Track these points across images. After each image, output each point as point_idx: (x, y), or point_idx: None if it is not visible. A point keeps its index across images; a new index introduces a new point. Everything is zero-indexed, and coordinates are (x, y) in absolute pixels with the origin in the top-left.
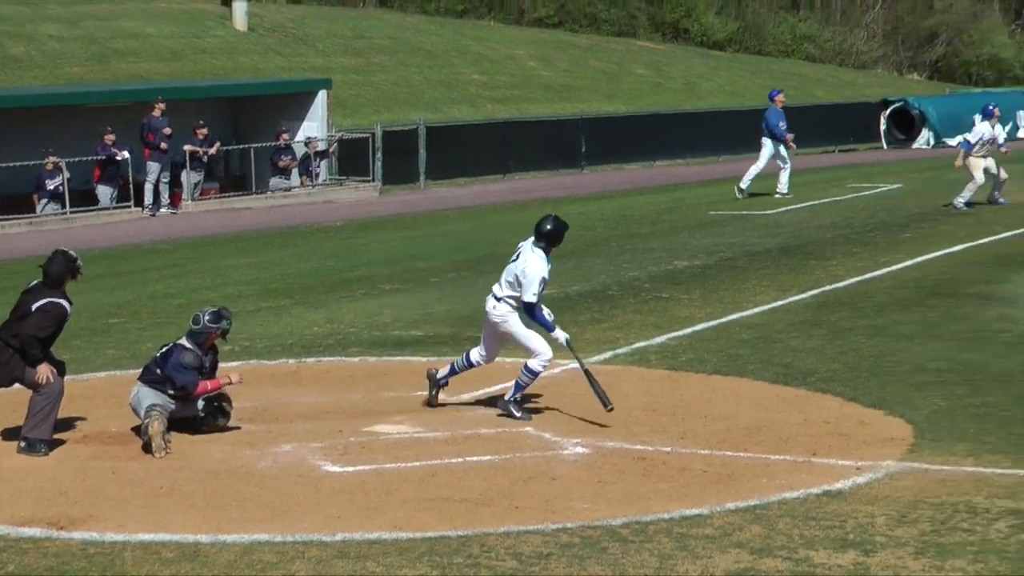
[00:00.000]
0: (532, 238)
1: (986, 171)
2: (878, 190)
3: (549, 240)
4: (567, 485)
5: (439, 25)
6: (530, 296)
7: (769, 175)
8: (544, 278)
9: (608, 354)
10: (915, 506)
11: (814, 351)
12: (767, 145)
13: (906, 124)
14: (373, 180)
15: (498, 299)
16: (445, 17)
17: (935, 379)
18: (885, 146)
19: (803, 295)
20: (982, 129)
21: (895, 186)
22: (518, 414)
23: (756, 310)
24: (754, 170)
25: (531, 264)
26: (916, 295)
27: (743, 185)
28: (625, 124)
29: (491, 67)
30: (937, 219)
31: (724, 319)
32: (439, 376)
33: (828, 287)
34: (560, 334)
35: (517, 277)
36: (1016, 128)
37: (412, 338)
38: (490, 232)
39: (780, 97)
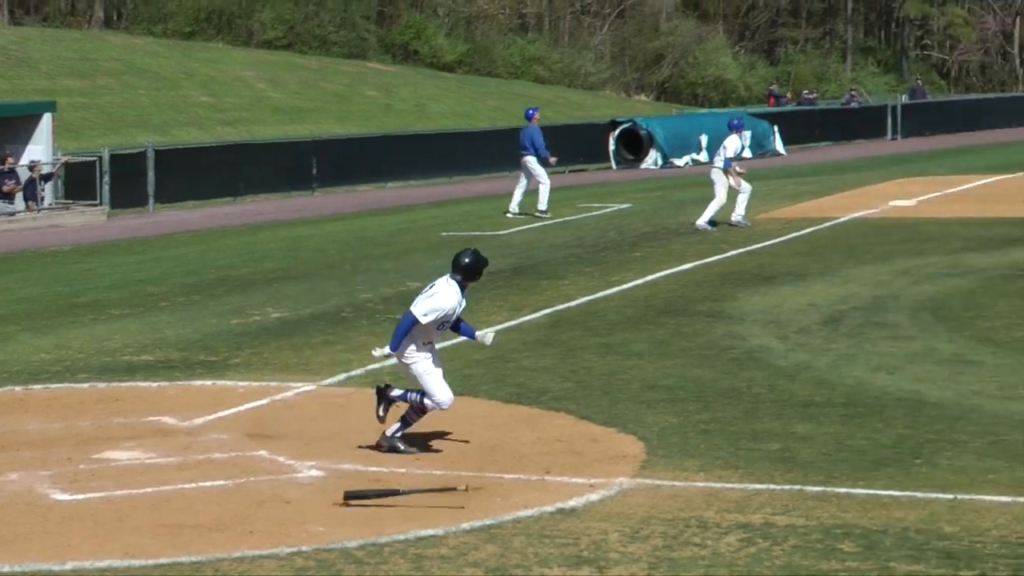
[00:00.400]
0: (449, 272)
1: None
2: (608, 210)
3: (466, 274)
4: (301, 508)
5: (167, 47)
6: (420, 313)
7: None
8: (443, 309)
9: (342, 376)
10: (648, 522)
11: (546, 370)
12: (530, 164)
13: (634, 144)
14: (100, 204)
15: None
16: (173, 39)
17: (666, 396)
18: (614, 166)
19: (535, 315)
20: (735, 143)
21: (624, 206)
22: (403, 447)
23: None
24: (545, 189)
25: (441, 289)
26: (646, 313)
27: (513, 208)
28: (356, 146)
29: (220, 89)
30: (666, 238)
31: (457, 340)
32: (392, 395)
33: (560, 306)
34: (485, 335)
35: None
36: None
37: (142, 363)
38: (221, 256)
39: (538, 115)
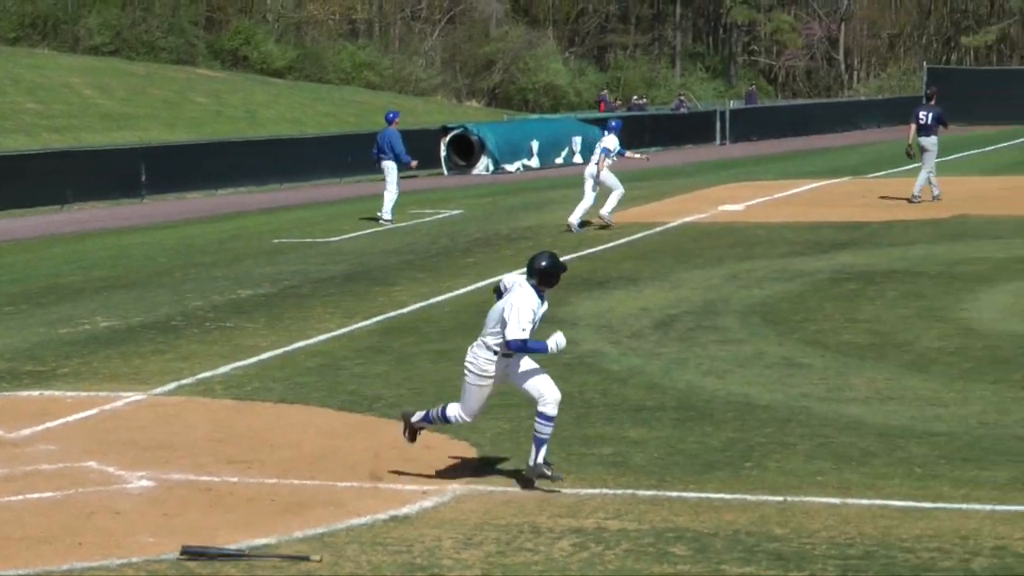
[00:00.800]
0: (524, 275)
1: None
2: (440, 216)
3: (543, 278)
4: (131, 519)
5: None
6: (516, 331)
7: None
8: (535, 312)
9: (172, 385)
10: (481, 528)
11: (380, 377)
12: (390, 169)
13: (466, 150)
14: None
15: (486, 348)
16: None
17: (499, 402)
18: (446, 172)
19: (368, 321)
20: (614, 141)
21: (457, 212)
22: (551, 474)
23: (321, 337)
24: (391, 195)
25: (520, 296)
26: (480, 319)
27: (387, 216)
28: (186, 153)
29: (47, 96)
30: (499, 244)
31: (289, 347)
32: (414, 420)
33: (392, 313)
34: (558, 343)
35: (503, 315)
36: (571, 154)
37: None
38: (49, 264)
39: (398, 119)
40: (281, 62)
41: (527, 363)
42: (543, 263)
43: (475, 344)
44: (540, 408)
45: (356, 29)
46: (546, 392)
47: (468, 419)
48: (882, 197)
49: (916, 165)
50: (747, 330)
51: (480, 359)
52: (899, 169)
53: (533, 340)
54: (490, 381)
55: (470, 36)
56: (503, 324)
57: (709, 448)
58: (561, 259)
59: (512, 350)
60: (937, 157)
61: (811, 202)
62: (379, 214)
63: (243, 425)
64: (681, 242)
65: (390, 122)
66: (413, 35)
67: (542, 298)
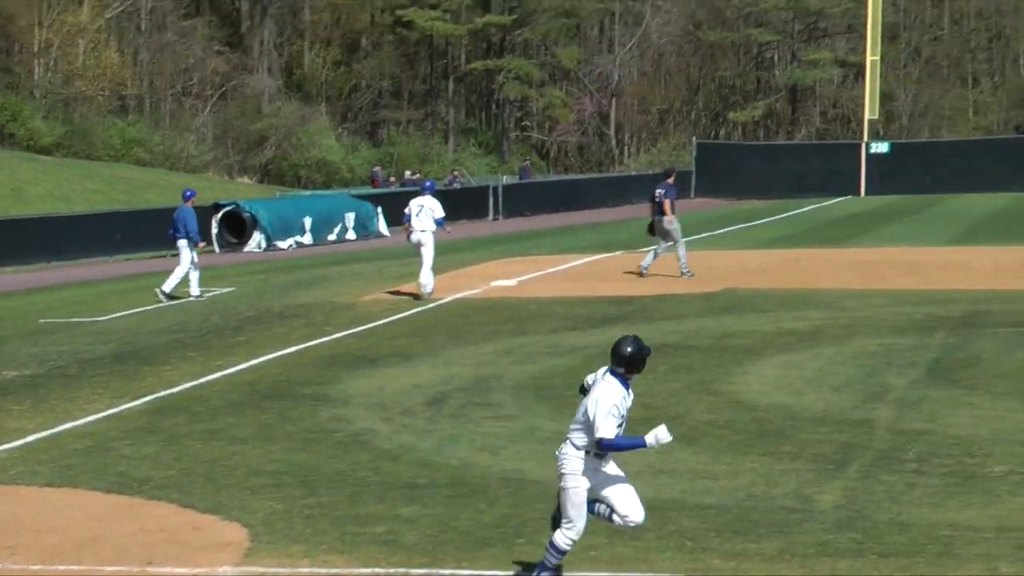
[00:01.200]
0: (608, 366)
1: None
2: (212, 293)
3: (630, 365)
4: None
5: None
6: (603, 430)
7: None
8: (620, 405)
9: None
10: None
11: (149, 458)
12: (184, 247)
13: (238, 227)
14: None
15: (573, 447)
16: None
17: (271, 482)
18: (217, 250)
19: (137, 401)
20: (437, 204)
21: (228, 289)
22: None
23: (89, 419)
24: (179, 272)
25: (604, 389)
26: (251, 398)
27: (167, 289)
28: None
29: None
30: (271, 321)
31: (56, 429)
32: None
33: (162, 392)
34: (658, 436)
35: (587, 412)
36: (344, 230)
37: None
38: None
39: (194, 198)
40: (49, 139)
41: (614, 468)
42: (628, 349)
43: (563, 444)
44: (619, 519)
45: (126, 105)
46: (631, 511)
47: (580, 530)
48: (654, 273)
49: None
50: (520, 405)
51: (571, 459)
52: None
53: (626, 436)
54: (585, 480)
55: (242, 112)
56: (588, 422)
57: (482, 524)
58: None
59: (603, 449)
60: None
61: (583, 277)
62: (159, 289)
63: (6, 511)
64: (454, 318)
65: (187, 199)
66: (184, 111)
67: (628, 387)
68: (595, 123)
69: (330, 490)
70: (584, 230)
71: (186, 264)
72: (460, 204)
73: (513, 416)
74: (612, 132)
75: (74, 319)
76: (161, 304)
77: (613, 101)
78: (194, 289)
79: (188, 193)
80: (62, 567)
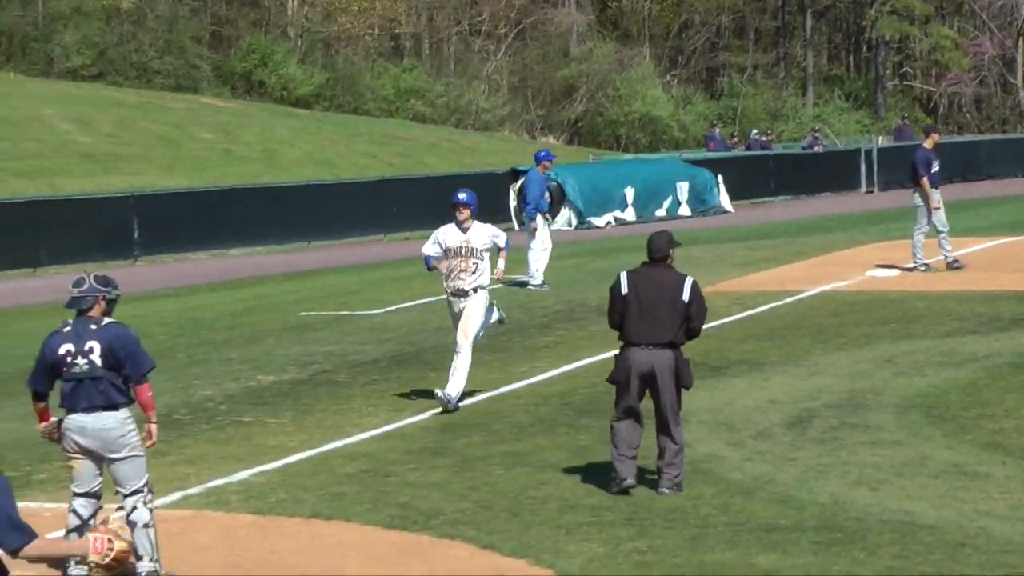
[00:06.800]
0: None
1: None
2: (511, 283)
3: None
4: None
5: None
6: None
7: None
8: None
9: (177, 496)
10: None
11: (438, 486)
12: (541, 224)
13: None
14: None
15: None
16: None
17: (590, 519)
18: (516, 227)
19: (421, 416)
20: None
21: (532, 277)
22: None
23: (363, 436)
24: (536, 257)
25: None
26: (563, 413)
27: (538, 279)
28: (189, 202)
29: (13, 131)
30: (586, 318)
31: (323, 448)
32: None
33: None
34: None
35: None
36: (676, 203)
37: None
38: (17, 343)
39: (549, 162)
40: (306, 88)
41: None
42: None
43: None
44: None
45: (400, 47)
46: None
47: None
48: None
49: None
50: (906, 429)
51: None
52: None
53: None
54: None
55: (545, 55)
56: None
57: None
58: None
59: None
60: None
61: (985, 266)
62: (529, 277)
63: (264, 547)
64: (819, 317)
65: (538, 162)
66: (473, 54)
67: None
68: (996, 70)
69: (665, 531)
70: (984, 206)
71: (537, 243)
72: (822, 173)
73: (898, 442)
74: (1019, 83)
75: (342, 312)
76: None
77: (1020, 41)
78: (537, 274)
79: (541, 155)
80: None
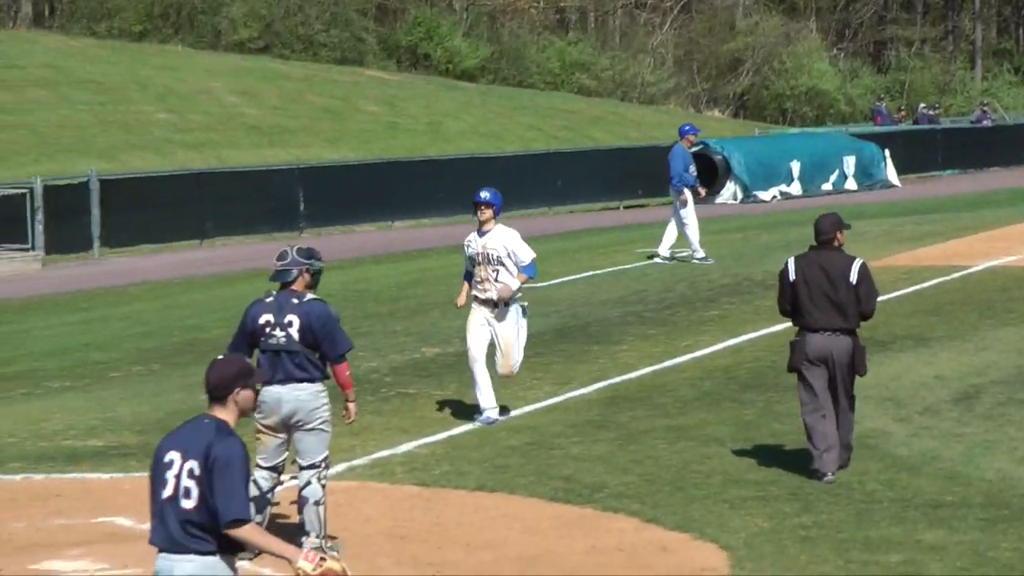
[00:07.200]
0: None
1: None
2: (676, 257)
3: None
4: None
5: (113, 51)
6: None
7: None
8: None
9: (342, 467)
10: None
11: (602, 460)
12: (691, 199)
13: (707, 173)
14: (33, 249)
15: None
16: (120, 40)
17: (755, 493)
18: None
19: (585, 389)
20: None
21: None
22: None
23: (527, 409)
24: (685, 229)
25: None
26: (728, 387)
27: (664, 253)
28: (354, 175)
29: (181, 104)
30: (751, 292)
31: (475, 423)
32: None
33: (616, 379)
34: None
35: None
36: (843, 177)
37: (90, 449)
38: (187, 313)
39: (693, 136)
40: (472, 61)
41: None
42: None
43: None
44: None
45: (566, 20)
46: None
47: None
48: None
49: None
50: None
51: None
52: None
53: None
54: None
55: (711, 29)
56: None
57: None
58: None
59: None
60: None
61: None
62: (692, 252)
63: (429, 519)
64: (987, 292)
65: (682, 136)
66: (638, 28)
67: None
68: None
69: (830, 506)
70: None
71: (681, 218)
72: (992, 147)
73: None
74: None
75: None
76: (616, 268)
77: None
78: (697, 251)
79: (684, 128)
80: None
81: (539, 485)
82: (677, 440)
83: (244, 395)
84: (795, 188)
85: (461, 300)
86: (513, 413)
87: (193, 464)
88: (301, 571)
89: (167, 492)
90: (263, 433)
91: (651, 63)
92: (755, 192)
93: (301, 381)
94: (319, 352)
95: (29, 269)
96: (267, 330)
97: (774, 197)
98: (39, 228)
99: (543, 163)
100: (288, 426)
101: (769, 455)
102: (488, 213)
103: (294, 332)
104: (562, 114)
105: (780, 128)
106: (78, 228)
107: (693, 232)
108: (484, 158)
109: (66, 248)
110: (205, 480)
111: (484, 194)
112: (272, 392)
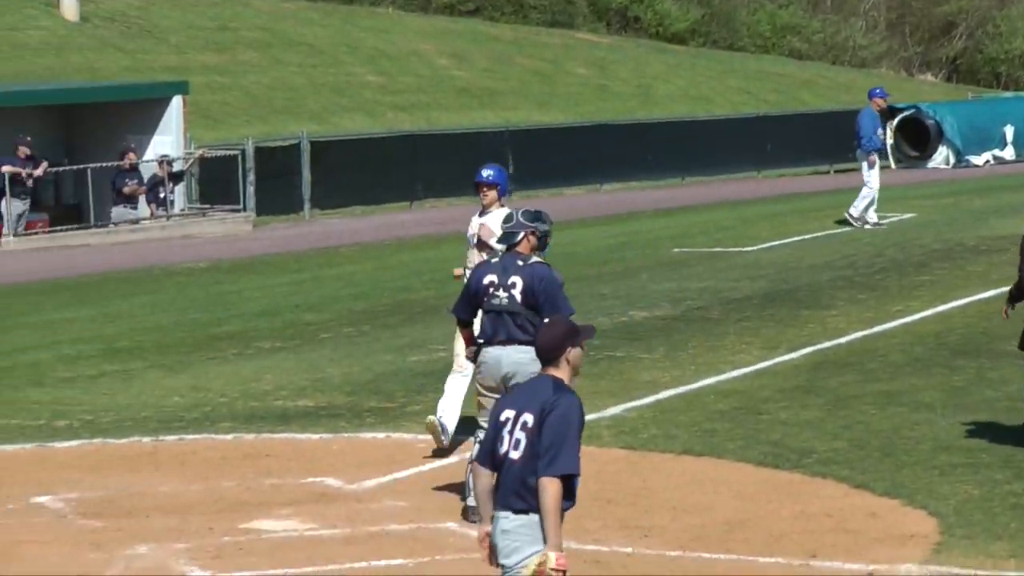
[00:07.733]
0: None
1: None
2: (886, 221)
3: None
4: None
5: (324, 13)
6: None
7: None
8: None
9: None
10: None
11: (810, 425)
12: (861, 159)
13: (919, 138)
14: (244, 210)
15: None
16: (331, 3)
17: (966, 460)
18: (893, 165)
19: (794, 354)
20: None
21: (908, 215)
22: None
23: (735, 373)
24: (864, 191)
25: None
26: (938, 353)
27: (854, 213)
28: (562, 137)
29: (391, 66)
30: (963, 257)
31: (695, 384)
32: None
33: (825, 344)
34: None
35: None
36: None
37: (299, 409)
38: (397, 275)
39: (881, 99)
40: (682, 24)
41: None
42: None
43: None
44: None
45: None
46: None
47: None
48: None
49: None
50: None
51: None
52: None
53: None
54: None
55: None
56: None
57: None
58: None
59: None
60: None
61: None
62: (853, 211)
63: (636, 482)
64: None
65: (871, 98)
66: None
67: None
68: None
69: None
70: None
71: (868, 182)
72: None
73: None
74: None
75: (716, 249)
76: (825, 232)
77: None
78: (870, 215)
79: (874, 91)
80: (705, 554)
81: (747, 449)
82: (887, 406)
83: (575, 353)
84: (1008, 153)
85: (458, 272)
86: (721, 377)
87: (528, 417)
88: (546, 560)
89: (502, 448)
90: (483, 396)
91: (863, 26)
92: (967, 156)
93: (522, 343)
94: (541, 316)
95: (241, 230)
96: (490, 290)
97: (987, 162)
98: (251, 189)
99: (752, 127)
100: (507, 388)
101: (980, 422)
102: (491, 195)
103: (517, 293)
104: (772, 77)
105: (993, 92)
106: (289, 189)
107: (870, 196)
108: (693, 121)
109: (277, 209)
110: (536, 431)
111: (487, 172)
112: (492, 353)
